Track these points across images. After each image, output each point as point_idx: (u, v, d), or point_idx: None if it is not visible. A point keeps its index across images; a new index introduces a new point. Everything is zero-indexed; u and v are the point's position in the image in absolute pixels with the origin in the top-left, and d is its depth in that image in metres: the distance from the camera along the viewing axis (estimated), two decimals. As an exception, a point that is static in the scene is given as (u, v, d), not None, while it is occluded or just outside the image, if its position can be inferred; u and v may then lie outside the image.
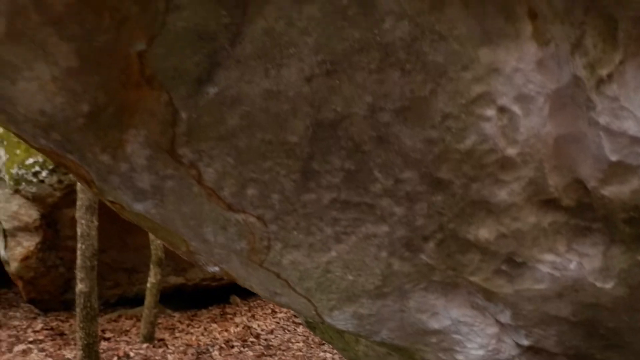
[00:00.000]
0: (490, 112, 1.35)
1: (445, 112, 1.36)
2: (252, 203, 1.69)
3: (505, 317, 2.03)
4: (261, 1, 1.21)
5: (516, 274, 1.82)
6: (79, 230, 4.30)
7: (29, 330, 6.29)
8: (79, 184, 4.37)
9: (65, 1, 1.15)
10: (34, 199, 6.19)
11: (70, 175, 6.71)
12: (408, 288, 1.98)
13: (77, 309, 4.14)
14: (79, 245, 4.30)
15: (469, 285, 1.95)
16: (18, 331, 6.22)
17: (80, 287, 4.18)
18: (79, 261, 4.30)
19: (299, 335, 6.92)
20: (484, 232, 1.70)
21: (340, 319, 2.12)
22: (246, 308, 8.00)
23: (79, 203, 4.38)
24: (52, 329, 6.33)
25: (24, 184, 6.04)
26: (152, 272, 5.68)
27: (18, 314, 6.99)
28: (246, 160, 1.56)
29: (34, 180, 6.03)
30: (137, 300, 7.14)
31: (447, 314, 2.06)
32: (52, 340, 5.91)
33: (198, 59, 1.30)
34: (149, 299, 5.76)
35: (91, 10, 1.18)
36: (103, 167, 1.55)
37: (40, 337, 5.99)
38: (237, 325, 7.16)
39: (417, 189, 1.60)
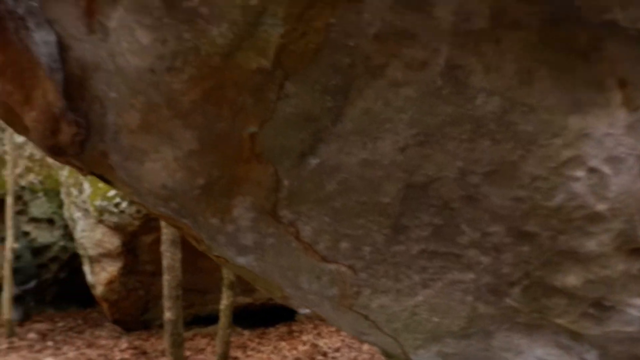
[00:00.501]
0: (580, 173, 1.41)
1: (535, 174, 1.43)
2: (344, 255, 1.81)
3: (592, 357, 2.03)
4: (362, 86, 1.33)
5: (604, 317, 1.84)
6: (164, 263, 4.60)
7: (116, 349, 6.69)
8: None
9: (192, 98, 1.32)
10: (116, 228, 6.62)
11: (146, 204, 7.17)
12: (492, 329, 2.03)
13: (166, 335, 4.44)
14: (164, 276, 4.60)
15: (554, 326, 1.98)
16: (106, 350, 6.64)
17: (167, 315, 4.48)
18: (165, 291, 4.59)
19: (365, 353, 6.97)
20: (572, 279, 1.74)
21: (425, 357, 2.19)
22: (312, 326, 8.13)
23: (163, 237, 4.69)
24: (135, 347, 6.71)
25: (106, 214, 6.49)
26: (224, 295, 5.93)
27: (104, 333, 7.46)
28: (341, 219, 1.69)
29: (115, 210, 6.47)
30: (210, 319, 7.43)
31: (531, 352, 2.09)
32: (136, 358, 6.27)
33: (303, 137, 1.43)
34: (223, 320, 6.01)
35: (213, 104, 1.34)
36: (212, 228, 1.72)
37: (127, 356, 6.37)
38: (304, 344, 7.30)
39: (504, 240, 1.67)
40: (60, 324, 8.08)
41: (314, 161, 1.51)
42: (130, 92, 1.31)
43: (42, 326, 7.94)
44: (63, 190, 7.73)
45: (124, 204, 6.44)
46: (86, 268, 7.30)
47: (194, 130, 1.40)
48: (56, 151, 1.38)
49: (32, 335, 7.47)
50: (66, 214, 7.61)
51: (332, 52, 1.25)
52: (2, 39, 1.20)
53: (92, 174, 1.59)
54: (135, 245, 6.86)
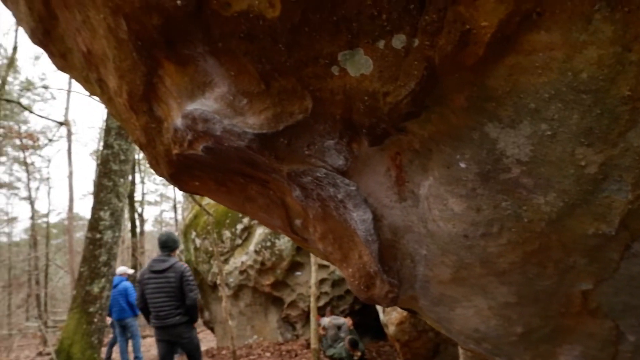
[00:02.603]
0: None
1: None
2: None
3: None
4: None
5: None
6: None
7: (411, 391, 6.87)
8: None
9: (511, 260, 1.16)
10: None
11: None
12: None
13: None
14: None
15: None
16: (401, 391, 6.89)
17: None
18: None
19: None
20: None
21: None
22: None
23: None
24: (429, 393, 6.76)
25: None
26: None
27: (394, 370, 7.78)
28: None
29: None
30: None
31: None
32: (432, 406, 6.30)
33: (658, 297, 1.13)
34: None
35: (535, 264, 1.16)
36: (532, 369, 1.51)
37: (422, 402, 6.46)
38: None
39: None
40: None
41: (673, 320, 1.17)
42: (441, 252, 1.24)
43: (342, 356, 8.70)
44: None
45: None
46: (379, 307, 7.74)
47: (510, 286, 1.24)
48: (370, 301, 1.40)
49: (334, 364, 8.25)
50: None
51: None
52: (324, 214, 1.27)
53: (402, 308, 1.58)
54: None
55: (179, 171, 1.41)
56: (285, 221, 1.42)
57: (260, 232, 9.90)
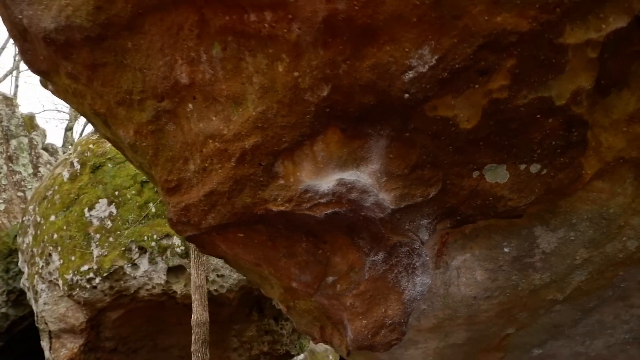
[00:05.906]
0: None
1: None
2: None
3: None
4: (603, 305, 1.73)
5: None
6: (194, 364, 4.59)
7: None
8: (194, 318, 4.68)
9: (489, 315, 1.63)
10: (85, 304, 6.21)
11: (122, 282, 6.87)
12: None
13: None
14: (193, 376, 4.55)
15: None
16: None
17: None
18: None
19: None
20: None
21: None
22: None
23: (194, 337, 4.65)
24: None
25: (77, 289, 6.07)
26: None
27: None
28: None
29: (88, 286, 6.06)
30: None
31: None
32: None
33: (543, 337, 1.79)
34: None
35: (501, 317, 1.66)
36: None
37: None
38: None
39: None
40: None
41: (537, 351, 1.86)
42: (441, 307, 1.60)
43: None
44: (23, 258, 7.14)
45: (98, 280, 6.09)
46: (44, 344, 6.77)
47: (469, 332, 1.71)
48: (368, 347, 1.61)
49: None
50: (26, 284, 6.97)
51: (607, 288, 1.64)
52: (380, 276, 1.45)
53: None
54: (100, 320, 6.49)
55: (236, 223, 1.34)
56: (316, 277, 1.50)
57: None
